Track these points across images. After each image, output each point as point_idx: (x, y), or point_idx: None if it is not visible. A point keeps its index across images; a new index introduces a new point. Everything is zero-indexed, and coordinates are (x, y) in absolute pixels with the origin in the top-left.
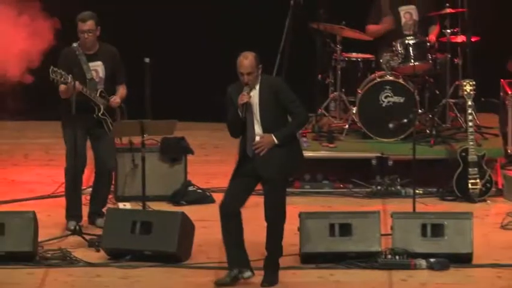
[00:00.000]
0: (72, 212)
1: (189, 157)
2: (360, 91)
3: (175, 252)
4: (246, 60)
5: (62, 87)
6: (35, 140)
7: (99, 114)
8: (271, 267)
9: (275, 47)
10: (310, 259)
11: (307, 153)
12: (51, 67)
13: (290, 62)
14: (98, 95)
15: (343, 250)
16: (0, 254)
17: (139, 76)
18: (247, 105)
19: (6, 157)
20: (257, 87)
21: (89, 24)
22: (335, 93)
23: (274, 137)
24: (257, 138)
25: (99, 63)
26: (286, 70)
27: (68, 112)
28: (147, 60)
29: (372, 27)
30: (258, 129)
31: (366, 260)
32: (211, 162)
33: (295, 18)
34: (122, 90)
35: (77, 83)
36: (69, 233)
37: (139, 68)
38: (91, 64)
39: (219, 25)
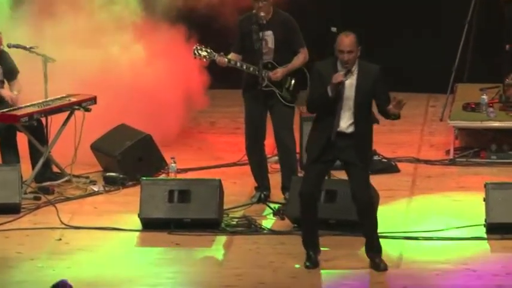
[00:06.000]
0: (258, 183)
1: (375, 126)
2: None
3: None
4: (347, 38)
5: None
6: (222, 108)
7: (263, 86)
8: (375, 249)
9: (463, 18)
10: (495, 229)
11: (493, 124)
12: (195, 47)
13: (478, 32)
14: (263, 66)
15: None
16: (186, 220)
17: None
18: (341, 86)
19: (193, 125)
20: (355, 72)
21: None
22: None
23: None
24: (341, 124)
25: (270, 32)
26: (474, 40)
27: (244, 84)
28: (334, 29)
29: None
30: (346, 115)
31: None
32: (397, 132)
33: None
34: (296, 60)
35: (220, 58)
36: (255, 200)
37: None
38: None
39: None
